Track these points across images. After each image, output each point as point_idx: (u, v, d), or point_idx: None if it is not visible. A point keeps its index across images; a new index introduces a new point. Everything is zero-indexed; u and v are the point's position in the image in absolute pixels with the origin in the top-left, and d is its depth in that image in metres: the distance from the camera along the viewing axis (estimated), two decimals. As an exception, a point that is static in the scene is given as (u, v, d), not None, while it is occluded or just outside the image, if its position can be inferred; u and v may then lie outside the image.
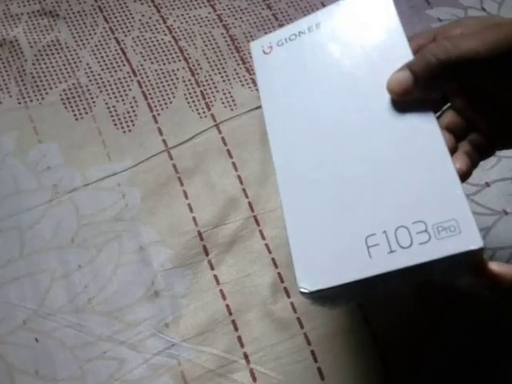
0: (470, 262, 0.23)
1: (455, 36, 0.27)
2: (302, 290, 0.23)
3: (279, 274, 0.36)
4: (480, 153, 0.28)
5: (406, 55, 0.26)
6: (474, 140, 0.29)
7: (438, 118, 0.30)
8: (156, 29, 0.44)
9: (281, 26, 0.44)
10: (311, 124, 0.26)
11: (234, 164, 0.39)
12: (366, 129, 0.25)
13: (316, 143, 0.26)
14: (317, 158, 0.26)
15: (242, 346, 0.34)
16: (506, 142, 0.29)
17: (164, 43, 0.44)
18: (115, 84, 0.42)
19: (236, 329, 0.35)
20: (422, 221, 0.23)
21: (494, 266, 0.23)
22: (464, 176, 0.27)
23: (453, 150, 0.28)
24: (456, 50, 0.24)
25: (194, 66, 0.43)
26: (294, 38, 0.29)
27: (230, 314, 0.35)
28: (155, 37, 0.44)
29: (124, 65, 0.43)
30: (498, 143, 0.29)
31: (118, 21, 0.44)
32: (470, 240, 0.22)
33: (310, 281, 0.23)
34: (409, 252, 0.23)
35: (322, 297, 0.24)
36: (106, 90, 0.42)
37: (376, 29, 0.28)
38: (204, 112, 0.41)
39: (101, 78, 0.42)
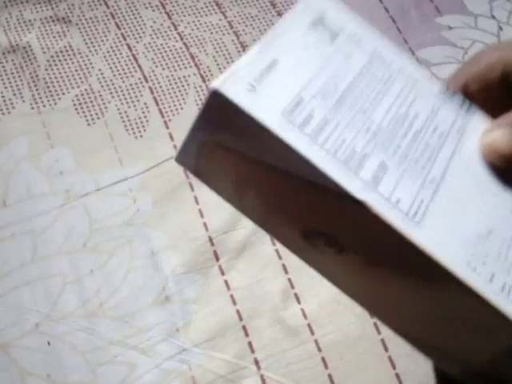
0: None
1: None
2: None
3: (289, 280, 0.36)
4: None
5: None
6: None
7: None
8: (167, 35, 0.44)
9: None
10: None
11: (244, 170, 0.39)
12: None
13: None
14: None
15: (252, 351, 0.34)
16: None
17: (175, 50, 0.44)
18: (127, 90, 0.42)
19: (247, 334, 0.35)
20: None
21: None
22: None
23: None
24: None
25: (204, 72, 0.43)
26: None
27: (241, 319, 0.35)
28: (166, 43, 0.44)
29: (136, 71, 0.43)
30: None
31: (129, 27, 0.45)
32: None
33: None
34: None
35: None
36: (118, 96, 0.42)
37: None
38: (215, 118, 0.41)
39: (113, 84, 0.43)
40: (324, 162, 0.19)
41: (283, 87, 0.20)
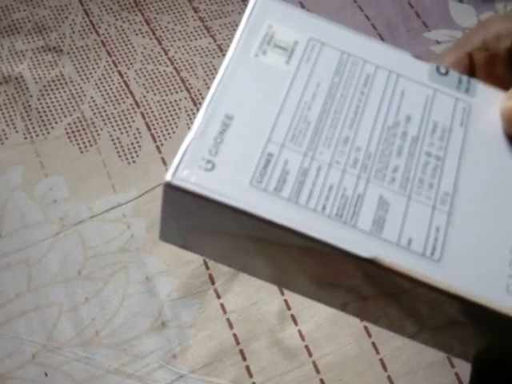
0: None
1: None
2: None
3: (286, 301, 0.36)
4: None
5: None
6: None
7: None
8: (158, 61, 0.45)
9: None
10: None
11: (237, 192, 0.39)
12: None
13: None
14: None
15: (250, 375, 0.34)
16: None
17: (166, 74, 0.44)
18: (119, 116, 0.43)
19: (244, 358, 0.35)
20: None
21: None
22: None
23: None
24: None
25: (195, 95, 0.43)
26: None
27: (238, 343, 0.35)
28: (157, 68, 0.45)
29: (127, 97, 0.43)
30: None
31: (120, 54, 0.45)
32: None
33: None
34: None
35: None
36: (110, 123, 0.42)
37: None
38: (207, 141, 0.41)
39: (105, 111, 0.43)
40: (313, 227, 0.17)
41: (245, 148, 0.18)
